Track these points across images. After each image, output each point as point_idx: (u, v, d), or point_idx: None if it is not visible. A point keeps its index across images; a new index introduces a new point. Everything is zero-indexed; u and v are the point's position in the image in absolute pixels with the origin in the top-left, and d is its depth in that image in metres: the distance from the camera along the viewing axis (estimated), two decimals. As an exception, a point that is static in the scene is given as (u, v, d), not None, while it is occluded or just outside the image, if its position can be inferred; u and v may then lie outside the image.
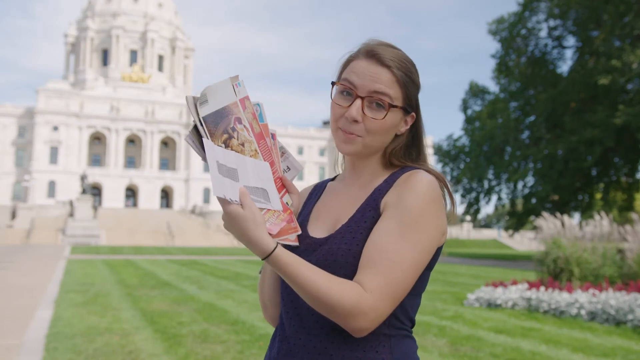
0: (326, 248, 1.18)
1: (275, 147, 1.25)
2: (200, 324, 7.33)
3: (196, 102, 1.13)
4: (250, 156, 1.17)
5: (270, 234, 1.11)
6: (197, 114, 1.12)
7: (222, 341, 6.22)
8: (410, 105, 1.24)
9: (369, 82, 1.18)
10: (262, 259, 1.07)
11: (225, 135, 1.14)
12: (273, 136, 1.25)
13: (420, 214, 1.13)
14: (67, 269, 17.11)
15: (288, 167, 1.30)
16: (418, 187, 1.15)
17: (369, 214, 1.18)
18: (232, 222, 1.07)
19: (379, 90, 1.18)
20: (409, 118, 1.25)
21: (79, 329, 6.96)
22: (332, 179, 1.39)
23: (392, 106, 1.18)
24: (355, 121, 1.18)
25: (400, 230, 1.12)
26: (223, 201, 1.06)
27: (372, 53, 1.21)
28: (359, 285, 1.08)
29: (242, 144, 1.16)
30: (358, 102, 1.18)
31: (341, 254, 1.15)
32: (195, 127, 1.13)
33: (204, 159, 1.10)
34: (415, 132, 1.28)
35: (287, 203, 1.23)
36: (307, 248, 1.21)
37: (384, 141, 1.23)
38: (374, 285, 1.07)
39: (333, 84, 1.24)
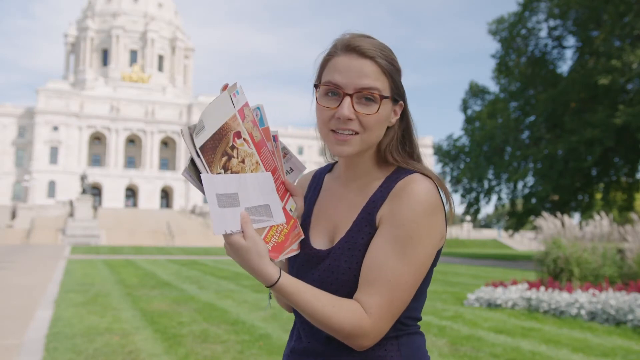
0: (327, 264, 1.18)
1: (278, 150, 1.23)
2: (200, 324, 7.33)
3: (192, 133, 1.09)
4: (252, 171, 1.15)
5: (272, 259, 1.12)
6: (194, 147, 1.09)
7: (222, 341, 6.22)
8: (398, 94, 1.20)
9: (354, 77, 1.14)
10: (266, 287, 1.09)
11: (225, 158, 1.11)
12: (275, 138, 1.22)
13: (415, 229, 1.12)
14: (67, 269, 17.11)
15: (291, 169, 1.29)
16: (412, 199, 1.12)
17: (365, 230, 1.17)
18: (235, 253, 1.07)
19: (367, 86, 1.13)
20: (398, 107, 1.22)
21: (79, 329, 6.96)
22: (330, 169, 1.36)
23: (383, 97, 1.15)
24: (349, 119, 1.14)
25: (396, 248, 1.11)
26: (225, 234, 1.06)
27: (351, 46, 1.15)
28: (359, 305, 1.10)
29: (243, 161, 1.14)
30: (347, 100, 1.13)
31: (342, 272, 1.16)
32: (192, 160, 1.11)
33: (203, 192, 1.08)
34: (406, 123, 1.25)
35: (290, 209, 1.22)
36: (309, 260, 1.21)
37: (379, 135, 1.19)
38: (373, 306, 1.10)
39: (316, 86, 1.20)
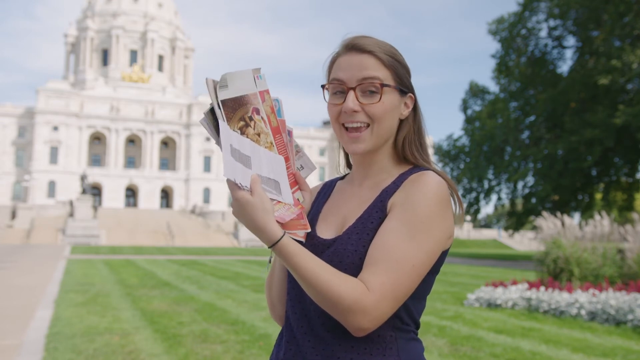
0: (333, 249, 1.17)
1: (291, 144, 1.25)
2: (200, 324, 7.33)
3: (215, 85, 1.12)
4: (266, 147, 1.17)
5: (279, 223, 1.11)
6: (216, 97, 1.11)
7: (222, 341, 6.22)
8: (404, 85, 1.22)
9: (355, 71, 1.18)
10: (269, 247, 1.07)
11: (242, 123, 1.14)
12: (290, 133, 1.24)
13: (427, 215, 1.12)
14: (67, 269, 17.10)
15: (302, 166, 1.30)
16: (426, 188, 1.14)
17: (376, 215, 1.18)
18: (241, 209, 1.07)
19: (367, 76, 1.17)
20: (409, 100, 1.24)
21: (79, 329, 6.96)
22: (342, 178, 1.38)
23: (384, 85, 1.17)
24: (355, 111, 1.17)
25: (406, 231, 1.11)
26: (233, 186, 1.06)
27: (351, 45, 1.21)
28: (362, 282, 1.07)
29: (258, 134, 1.16)
30: (351, 93, 1.17)
31: (347, 255, 1.15)
32: (212, 110, 1.12)
33: (218, 142, 1.09)
34: (418, 117, 1.27)
35: (298, 199, 1.22)
36: (314, 249, 1.20)
37: (391, 126, 1.22)
38: (377, 284, 1.07)
39: (323, 87, 1.24)
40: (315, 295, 1.07)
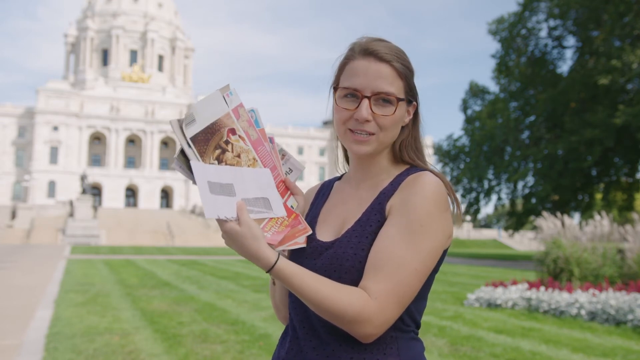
0: (332, 252, 1.17)
1: (275, 151, 1.23)
2: (200, 324, 7.33)
3: (182, 124, 1.09)
4: (248, 166, 1.15)
5: (272, 245, 1.10)
6: (184, 137, 1.09)
7: (222, 341, 6.22)
8: (412, 95, 1.24)
9: (371, 81, 1.18)
10: (266, 272, 1.07)
11: (218, 151, 1.12)
12: (271, 140, 1.23)
13: (426, 218, 1.12)
14: (67, 269, 17.10)
15: (290, 169, 1.29)
16: (423, 189, 1.14)
17: (374, 218, 1.18)
18: (231, 240, 1.07)
19: (384, 90, 1.17)
20: (411, 107, 1.26)
21: (79, 329, 6.96)
22: (339, 178, 1.38)
23: (399, 100, 1.18)
24: (367, 121, 1.17)
25: (406, 235, 1.11)
26: (219, 221, 1.06)
27: (368, 51, 1.20)
28: (364, 291, 1.08)
29: (238, 155, 1.14)
30: (366, 102, 1.17)
31: (347, 258, 1.15)
32: (182, 151, 1.10)
33: (195, 182, 1.07)
34: (417, 123, 1.28)
35: (292, 206, 1.21)
36: (313, 252, 1.20)
37: (395, 135, 1.23)
38: (379, 291, 1.07)
39: (335, 89, 1.23)
40: (318, 310, 1.08)
